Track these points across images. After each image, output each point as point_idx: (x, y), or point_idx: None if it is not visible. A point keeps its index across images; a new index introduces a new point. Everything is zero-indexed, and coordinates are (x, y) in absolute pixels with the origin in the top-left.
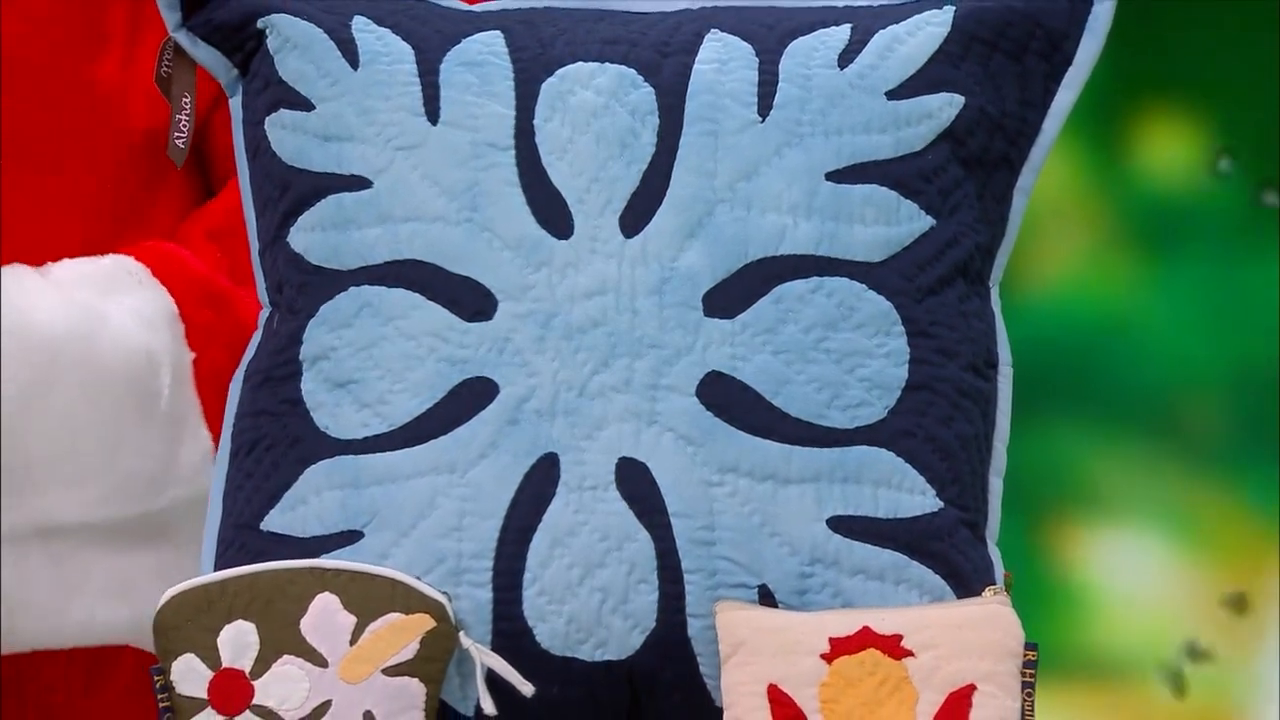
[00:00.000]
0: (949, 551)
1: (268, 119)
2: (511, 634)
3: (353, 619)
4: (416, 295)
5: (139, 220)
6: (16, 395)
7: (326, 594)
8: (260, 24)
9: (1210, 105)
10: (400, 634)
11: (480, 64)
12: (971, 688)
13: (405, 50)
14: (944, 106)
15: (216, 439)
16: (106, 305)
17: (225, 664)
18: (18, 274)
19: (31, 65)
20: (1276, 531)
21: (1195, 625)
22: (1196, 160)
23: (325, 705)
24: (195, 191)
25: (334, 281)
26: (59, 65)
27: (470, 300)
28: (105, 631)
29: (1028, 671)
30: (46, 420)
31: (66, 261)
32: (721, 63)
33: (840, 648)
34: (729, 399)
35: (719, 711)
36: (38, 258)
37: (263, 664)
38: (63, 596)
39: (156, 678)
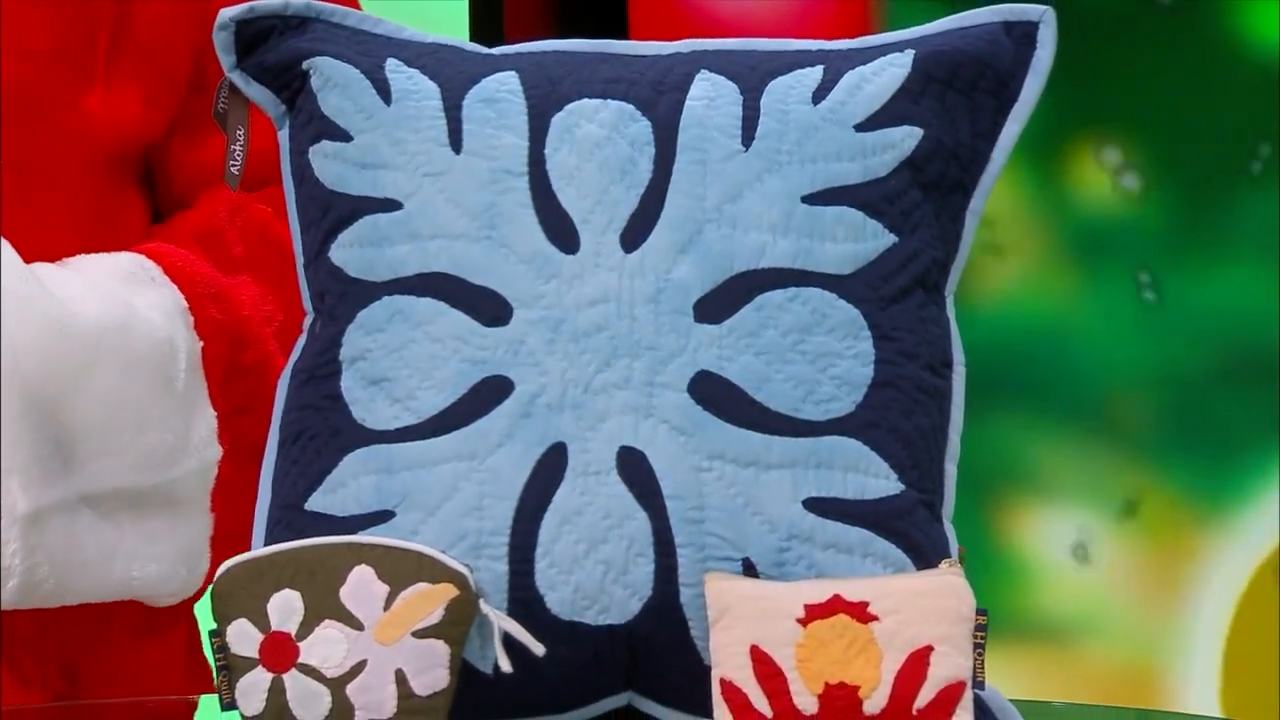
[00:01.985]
0: (909, 529)
1: (311, 149)
2: (525, 601)
3: (386, 588)
4: (442, 303)
5: (115, 227)
6: (65, 379)
7: (363, 566)
8: (305, 65)
9: (1136, 139)
10: (428, 601)
11: (498, 100)
12: (929, 648)
13: (432, 89)
14: (905, 138)
15: (218, 418)
16: (132, 297)
17: (274, 628)
18: (53, 270)
19: (34, 95)
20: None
21: (1124, 590)
22: (1126, 188)
23: (362, 664)
24: (148, 203)
25: (369, 291)
26: (57, 95)
27: (489, 308)
28: (139, 586)
29: (979, 634)
30: (90, 401)
31: (86, 257)
32: (710, 99)
33: (814, 613)
34: (717, 395)
35: (707, 669)
36: (42, 260)
37: (307, 628)
38: (105, 555)
39: (214, 639)
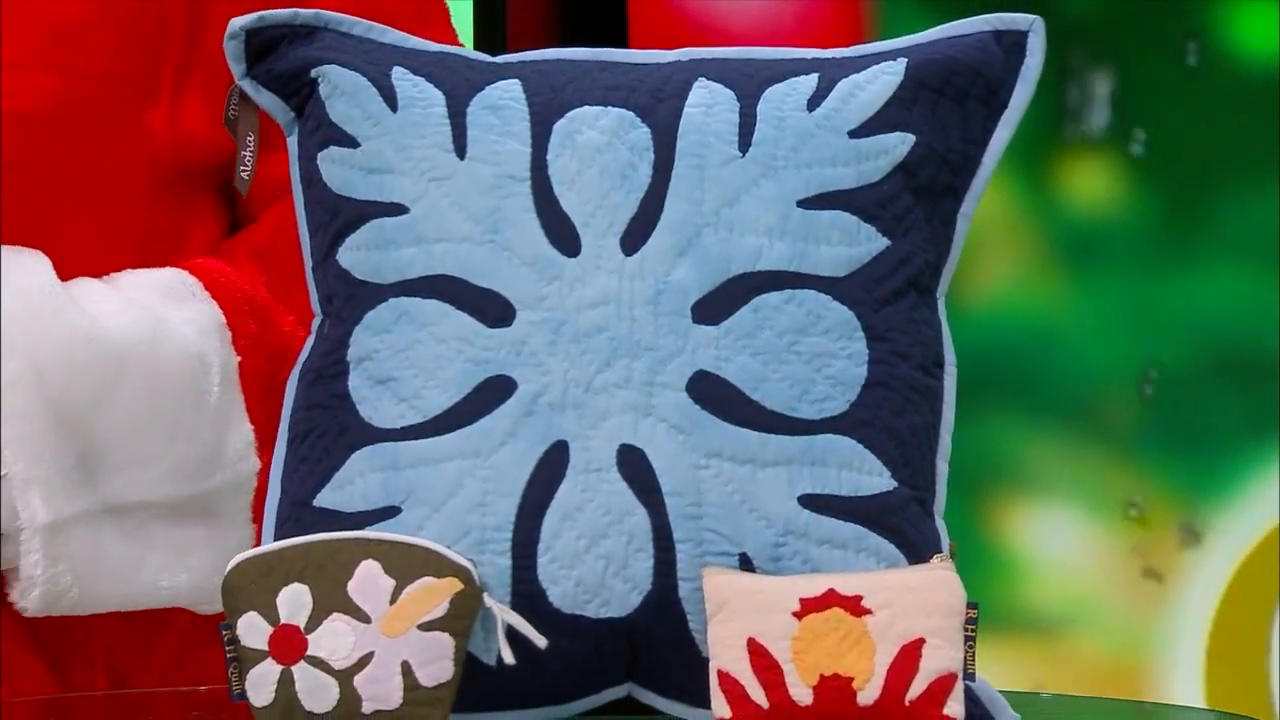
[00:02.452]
0: (902, 525)
1: (319, 155)
2: (528, 595)
3: (392, 582)
4: (447, 305)
5: (178, 242)
6: (91, 392)
7: (370, 561)
8: (313, 73)
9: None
10: (433, 595)
11: (501, 107)
12: (921, 641)
13: (437, 96)
14: (898, 144)
15: (257, 432)
16: (167, 312)
17: (283, 620)
18: (88, 285)
19: (100, 113)
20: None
21: (1111, 584)
22: (1112, 193)
23: (369, 656)
24: (222, 218)
25: (376, 294)
26: (116, 112)
27: (493, 309)
28: (168, 595)
29: (969, 627)
30: (115, 414)
31: (129, 272)
32: (708, 106)
33: (809, 606)
34: (714, 394)
35: (705, 661)
36: (93, 274)
37: (315, 621)
38: (132, 565)
39: (224, 632)
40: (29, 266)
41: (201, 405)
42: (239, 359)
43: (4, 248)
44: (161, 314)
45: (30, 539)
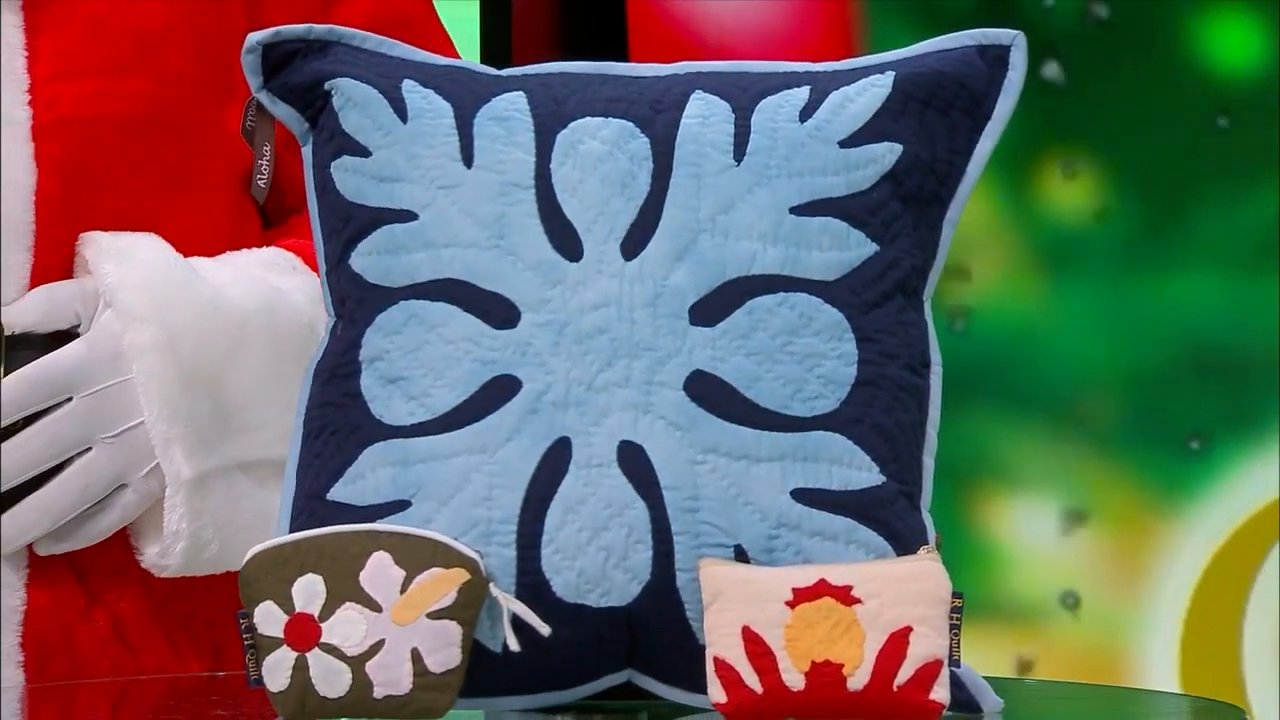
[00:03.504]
0: (890, 518)
1: (333, 163)
2: (532, 585)
3: (402, 573)
4: (454, 308)
5: (245, 236)
6: (218, 357)
7: (381, 552)
8: (327, 86)
9: (1104, 156)
10: (441, 585)
11: (506, 119)
12: (909, 629)
13: (445, 107)
14: (886, 153)
15: None
16: (278, 282)
17: (298, 609)
18: (203, 261)
19: (186, 113)
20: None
21: (1090, 577)
22: (1091, 201)
23: (380, 643)
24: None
25: (387, 296)
26: (204, 113)
27: (498, 312)
28: None
29: (955, 615)
30: (240, 376)
31: (233, 253)
32: (704, 118)
33: (801, 596)
34: (710, 393)
35: (702, 648)
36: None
37: (328, 609)
38: (265, 518)
39: (242, 620)
40: (151, 244)
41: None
42: None
43: (119, 234)
44: (275, 283)
45: (174, 494)
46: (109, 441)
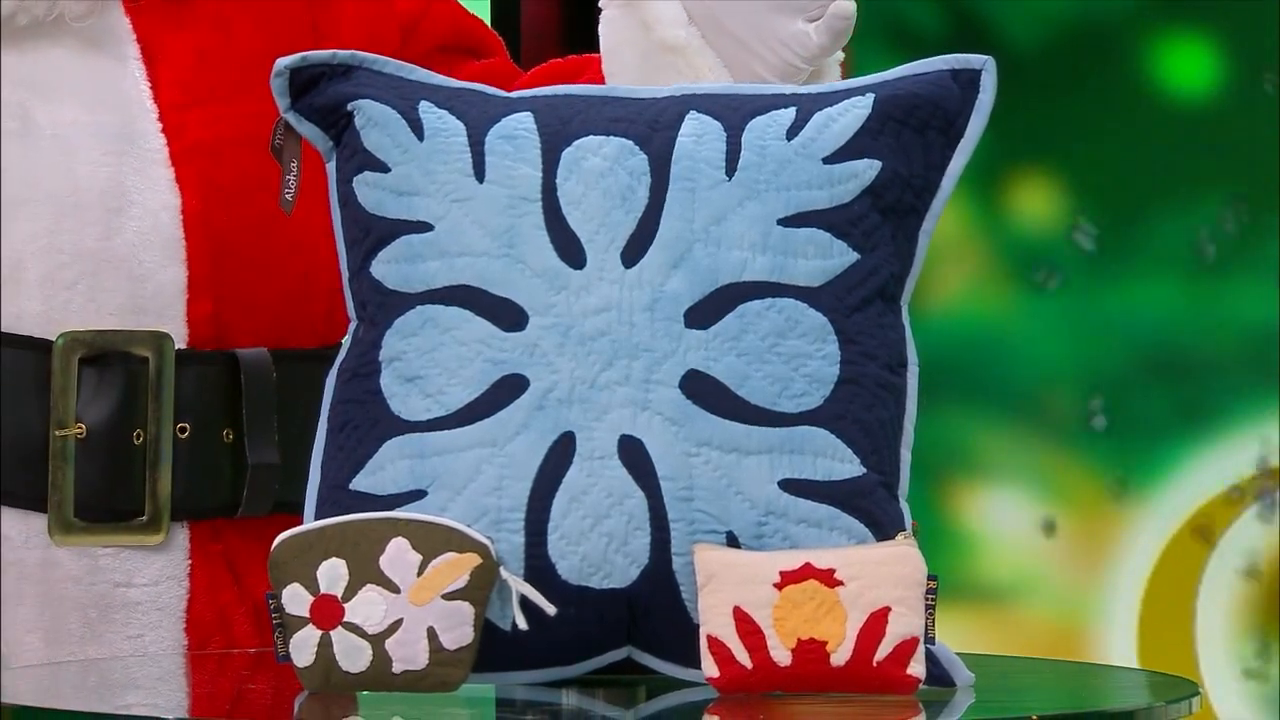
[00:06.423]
0: (870, 506)
1: (355, 178)
2: (539, 569)
3: (419, 557)
4: (467, 312)
5: None
6: None
7: (399, 538)
8: (349, 107)
9: (1067, 171)
10: (455, 568)
11: (515, 137)
12: (887, 609)
13: (459, 126)
14: (867, 169)
15: None
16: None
17: (323, 591)
18: None
19: None
20: (1114, 488)
21: (1055, 560)
22: (1056, 213)
23: (398, 622)
24: None
25: (404, 301)
26: None
27: (508, 315)
28: None
29: (930, 597)
30: None
31: None
32: (698, 136)
33: (788, 579)
34: (704, 390)
35: (696, 627)
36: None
37: (351, 591)
38: None
39: (271, 601)
40: None
41: None
42: None
43: None
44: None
45: None
46: None
